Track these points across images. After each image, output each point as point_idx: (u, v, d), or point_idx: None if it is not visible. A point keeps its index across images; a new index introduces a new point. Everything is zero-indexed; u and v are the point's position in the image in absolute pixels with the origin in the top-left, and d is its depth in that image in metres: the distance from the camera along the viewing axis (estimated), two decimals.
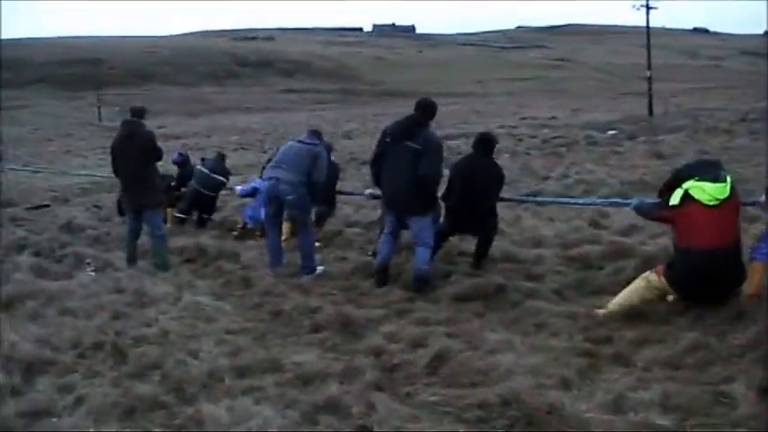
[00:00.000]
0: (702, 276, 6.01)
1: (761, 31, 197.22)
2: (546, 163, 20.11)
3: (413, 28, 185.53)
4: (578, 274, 7.78)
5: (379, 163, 7.97)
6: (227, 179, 13.21)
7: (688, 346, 5.37)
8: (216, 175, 12.85)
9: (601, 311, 6.35)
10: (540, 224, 10.43)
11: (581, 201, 11.21)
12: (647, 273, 6.41)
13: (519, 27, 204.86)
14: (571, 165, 20.01)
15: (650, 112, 46.82)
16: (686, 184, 6.14)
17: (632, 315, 6.19)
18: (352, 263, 8.91)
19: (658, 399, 4.50)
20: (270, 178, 8.89)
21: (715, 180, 6.11)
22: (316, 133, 9.19)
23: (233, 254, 9.83)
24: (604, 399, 4.57)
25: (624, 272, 7.43)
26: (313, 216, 9.50)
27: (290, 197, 8.60)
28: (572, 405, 4.45)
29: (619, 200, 9.31)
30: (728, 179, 6.18)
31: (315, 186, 8.71)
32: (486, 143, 8.40)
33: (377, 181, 8.19)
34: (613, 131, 31.76)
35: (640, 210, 6.92)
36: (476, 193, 8.02)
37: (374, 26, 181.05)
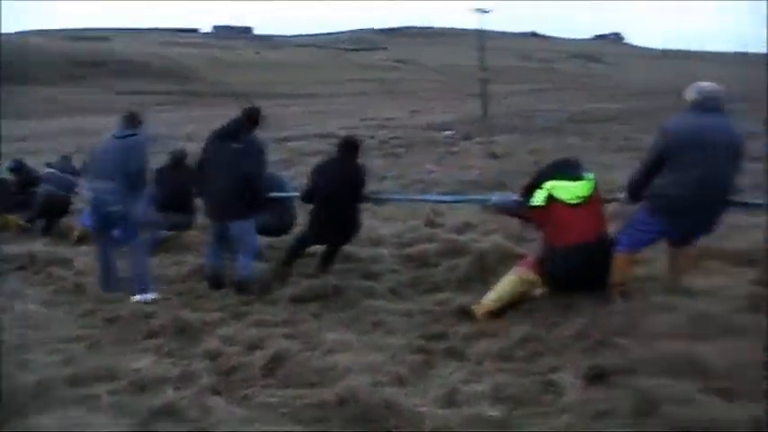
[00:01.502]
0: (574, 271, 6.20)
1: (588, 36, 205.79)
2: (384, 163, 20.32)
3: (250, 29, 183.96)
4: (414, 272, 7.93)
5: (203, 168, 7.89)
6: (78, 178, 12.67)
7: (519, 338, 5.57)
8: (68, 175, 12.41)
9: (475, 308, 6.39)
10: (377, 224, 10.52)
11: (446, 198, 11.51)
12: (516, 268, 6.52)
13: (361, 29, 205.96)
14: (409, 165, 20.33)
15: (485, 112, 47.91)
16: (548, 185, 6.31)
17: (466, 311, 6.36)
18: (189, 266, 8.78)
19: (490, 390, 4.63)
20: (90, 188, 8.12)
21: (576, 179, 6.33)
22: (130, 119, 7.96)
23: (65, 260, 9.48)
24: (438, 393, 4.69)
25: (458, 269, 7.63)
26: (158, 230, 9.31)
27: (112, 209, 7.69)
28: (407, 401, 4.52)
29: (479, 197, 9.43)
30: (590, 176, 6.42)
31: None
32: (349, 145, 8.23)
33: (200, 187, 8.10)
34: (450, 132, 32.27)
35: (501, 207, 7.08)
36: (340, 197, 7.89)
37: (214, 27, 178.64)
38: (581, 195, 6.27)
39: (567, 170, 6.44)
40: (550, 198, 6.27)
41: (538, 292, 6.51)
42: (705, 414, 4.01)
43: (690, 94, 6.23)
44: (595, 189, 6.43)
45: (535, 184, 6.44)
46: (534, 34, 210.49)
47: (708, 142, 5.94)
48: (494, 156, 21.81)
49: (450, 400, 4.60)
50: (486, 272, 7.38)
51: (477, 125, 34.08)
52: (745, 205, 6.74)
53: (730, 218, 6.94)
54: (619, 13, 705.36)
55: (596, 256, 6.23)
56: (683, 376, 4.50)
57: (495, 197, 7.40)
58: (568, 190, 6.27)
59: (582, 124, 31.85)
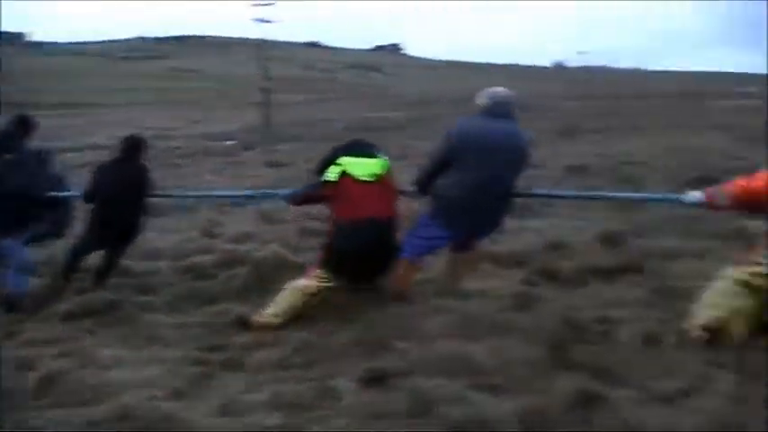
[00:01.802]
0: (363, 245, 6.20)
1: (368, 47, 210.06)
2: (163, 174, 19.85)
3: (21, 35, 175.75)
4: (192, 284, 7.75)
5: None
6: None
7: (297, 346, 5.56)
8: None
9: (259, 320, 6.27)
10: (154, 235, 10.29)
11: (235, 193, 11.55)
12: (296, 281, 6.45)
13: (140, 37, 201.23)
14: (189, 176, 19.97)
15: (268, 122, 48.01)
16: (342, 161, 6.33)
17: (244, 322, 6.28)
18: None
19: (268, 399, 4.63)
20: None
21: (370, 156, 6.41)
22: None
23: None
24: (217, 404, 4.63)
25: (236, 279, 7.55)
26: None
27: None
28: (186, 414, 4.44)
29: (278, 191, 9.29)
30: (383, 159, 6.50)
31: None
32: (132, 144, 7.92)
33: None
34: (232, 142, 32.14)
35: (294, 197, 7.00)
36: (122, 198, 7.61)
37: None
38: (374, 173, 6.35)
39: (362, 148, 6.52)
40: (344, 174, 6.31)
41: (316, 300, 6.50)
42: (476, 410, 4.17)
43: (481, 98, 6.39)
44: (388, 171, 6.52)
45: (330, 161, 6.46)
46: (316, 44, 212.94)
47: (492, 146, 6.12)
48: (274, 165, 21.84)
49: (228, 410, 4.55)
50: (263, 281, 7.32)
51: (259, 135, 34.06)
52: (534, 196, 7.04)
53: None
54: (401, 25, 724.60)
55: (385, 234, 6.33)
56: (456, 375, 4.66)
57: (286, 191, 7.42)
58: (362, 166, 6.33)
59: (361, 132, 32.40)
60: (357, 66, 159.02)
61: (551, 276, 7.22)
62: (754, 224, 8.27)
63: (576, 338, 5.35)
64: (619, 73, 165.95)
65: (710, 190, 5.66)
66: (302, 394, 4.69)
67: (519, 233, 8.88)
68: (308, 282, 6.36)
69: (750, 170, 5.63)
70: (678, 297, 6.50)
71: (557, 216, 10.26)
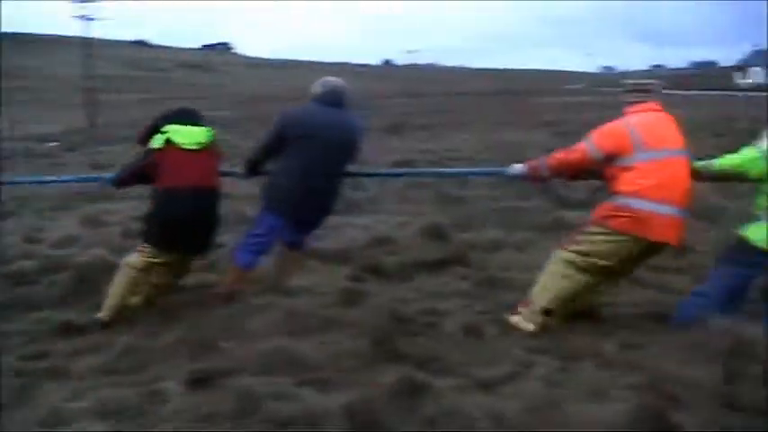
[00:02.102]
0: (187, 212, 6.16)
1: (196, 46, 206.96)
2: None
3: None
4: (12, 291, 7.47)
5: None
6: None
7: (122, 350, 5.46)
8: None
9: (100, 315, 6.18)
10: None
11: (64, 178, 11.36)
12: (125, 267, 6.34)
13: None
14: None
15: (92, 123, 46.63)
16: (167, 128, 6.27)
17: (68, 329, 6.11)
18: None
19: (94, 406, 4.51)
20: None
21: (195, 125, 6.39)
22: None
23: None
24: (41, 414, 4.48)
25: (59, 284, 7.31)
26: None
27: None
28: (9, 426, 4.36)
29: (103, 175, 8.86)
30: (208, 129, 6.49)
31: None
32: None
33: None
34: (54, 143, 31.06)
35: (120, 177, 6.76)
36: None
37: None
38: (200, 141, 6.34)
39: (188, 116, 6.48)
40: (168, 142, 6.26)
41: (134, 300, 6.41)
42: (303, 406, 4.21)
43: (315, 87, 6.48)
44: (213, 140, 6.52)
45: (155, 129, 6.40)
46: (143, 43, 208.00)
47: (323, 133, 6.22)
48: (98, 167, 21.22)
49: (53, 420, 4.41)
50: (87, 286, 7.12)
51: (83, 135, 33.03)
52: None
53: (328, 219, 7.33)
54: (230, 24, 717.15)
55: (208, 204, 6.32)
56: (283, 372, 4.70)
57: (108, 175, 7.27)
58: (187, 134, 6.31)
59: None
60: (188, 64, 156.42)
61: (377, 271, 7.37)
62: (571, 215, 8.70)
63: (401, 331, 5.52)
64: (446, 71, 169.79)
65: (532, 162, 6.04)
66: (128, 399, 4.60)
67: (345, 229, 8.98)
68: (134, 258, 6.32)
69: None
70: (501, 287, 6.79)
71: (383, 212, 10.42)
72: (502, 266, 7.46)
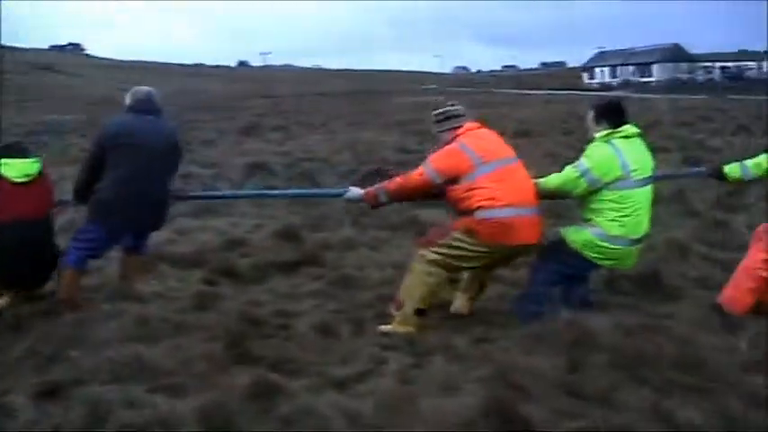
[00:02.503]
0: (16, 249, 6.14)
1: (44, 46, 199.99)
2: None
3: None
4: None
5: None
6: None
7: None
8: None
9: None
10: None
11: None
12: None
13: None
14: None
15: None
16: None
17: None
18: None
19: None
20: None
21: (23, 157, 6.41)
22: None
23: None
24: None
25: None
26: None
27: None
28: None
29: None
30: (38, 158, 6.53)
31: None
32: None
33: None
34: None
35: None
36: None
37: None
38: (28, 173, 6.36)
39: (16, 151, 6.51)
40: None
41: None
42: (154, 413, 4.18)
43: (127, 97, 6.58)
44: (43, 171, 6.54)
45: None
46: None
47: (140, 141, 6.28)
48: None
49: None
50: None
51: None
52: None
53: (179, 223, 7.27)
54: (81, 24, 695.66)
55: (34, 236, 6.31)
56: (134, 380, 4.65)
57: None
58: (16, 167, 6.32)
59: (42, 136, 30.76)
60: (38, 66, 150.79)
61: (230, 274, 7.36)
62: (425, 213, 8.88)
63: (254, 333, 5.57)
64: (302, 72, 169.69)
65: (371, 190, 6.19)
66: None
67: (198, 233, 8.93)
68: None
69: (417, 162, 6.14)
70: (355, 287, 6.88)
71: (237, 215, 10.36)
72: (356, 265, 7.56)
